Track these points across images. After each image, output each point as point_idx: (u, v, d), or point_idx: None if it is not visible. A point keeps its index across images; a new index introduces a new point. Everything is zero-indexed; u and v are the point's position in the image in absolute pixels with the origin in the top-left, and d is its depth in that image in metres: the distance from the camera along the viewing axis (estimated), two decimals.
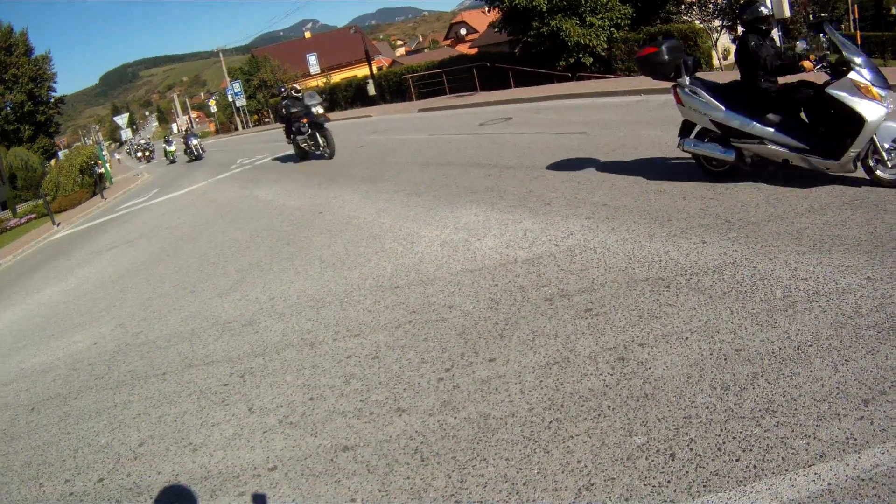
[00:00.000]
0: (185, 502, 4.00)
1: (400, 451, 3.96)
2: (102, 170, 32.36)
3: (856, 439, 3.14)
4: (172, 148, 39.76)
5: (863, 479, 2.89)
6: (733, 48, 28.37)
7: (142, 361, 6.48)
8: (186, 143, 34.83)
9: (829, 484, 2.91)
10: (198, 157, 33.91)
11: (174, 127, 73.18)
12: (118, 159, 67.24)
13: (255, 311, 7.09)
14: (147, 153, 51.34)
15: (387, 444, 4.05)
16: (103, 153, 38.33)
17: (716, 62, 25.64)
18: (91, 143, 72.20)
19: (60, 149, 61.64)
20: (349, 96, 45.98)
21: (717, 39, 25.98)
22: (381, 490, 3.64)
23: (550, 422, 3.87)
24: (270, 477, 4.02)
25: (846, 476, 2.93)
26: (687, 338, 4.44)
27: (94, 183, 30.36)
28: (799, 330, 4.21)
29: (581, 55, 23.71)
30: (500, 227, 7.81)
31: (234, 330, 6.68)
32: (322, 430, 4.40)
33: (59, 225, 21.94)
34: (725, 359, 4.08)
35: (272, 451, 4.30)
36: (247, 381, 5.44)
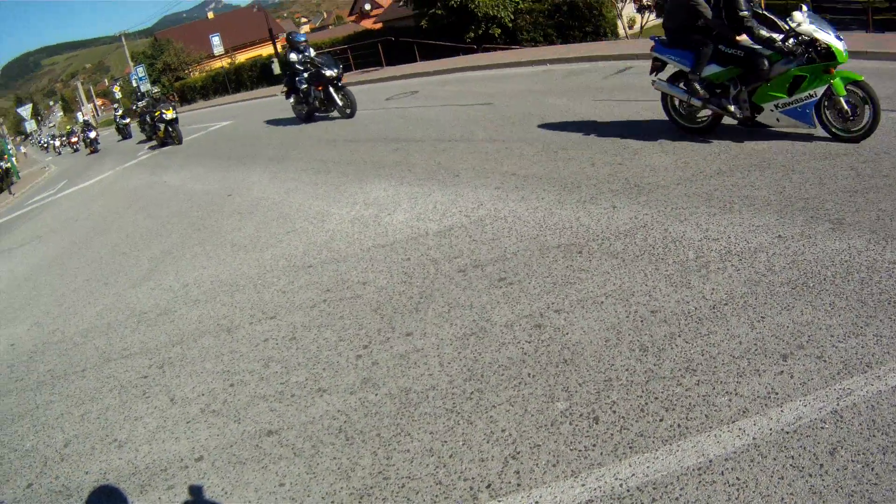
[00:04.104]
0: (115, 501, 3.77)
1: (324, 431, 3.81)
2: (8, 164, 30.51)
3: (777, 393, 3.14)
4: None
5: (787, 433, 2.88)
6: (638, 17, 28.94)
7: (60, 359, 6.11)
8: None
9: (753, 438, 2.89)
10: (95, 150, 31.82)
11: (79, 116, 69.57)
12: (24, 153, 63.76)
13: (169, 299, 6.78)
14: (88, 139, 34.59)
15: (310, 426, 3.90)
16: (8, 147, 35.82)
17: (621, 31, 25.96)
18: None
19: None
20: (254, 76, 44.83)
21: (622, 9, 26.24)
22: (308, 472, 3.48)
23: (472, 392, 3.78)
24: (198, 467, 3.82)
25: (770, 430, 2.92)
26: (602, 302, 4.41)
27: None
28: (713, 289, 4.23)
29: (490, 26, 23.69)
30: (410, 201, 7.68)
31: (150, 320, 6.37)
32: (245, 415, 4.21)
33: None
34: (642, 321, 4.06)
35: (197, 440, 4.09)
36: (166, 372, 5.17)
